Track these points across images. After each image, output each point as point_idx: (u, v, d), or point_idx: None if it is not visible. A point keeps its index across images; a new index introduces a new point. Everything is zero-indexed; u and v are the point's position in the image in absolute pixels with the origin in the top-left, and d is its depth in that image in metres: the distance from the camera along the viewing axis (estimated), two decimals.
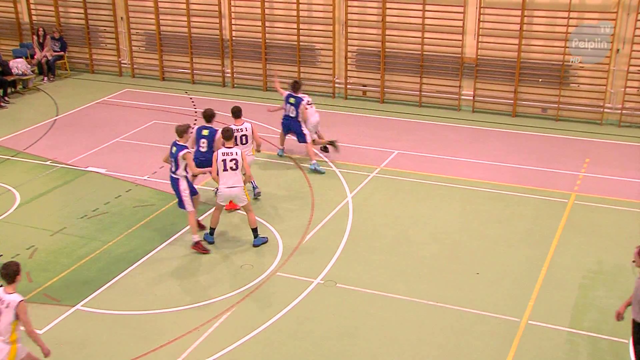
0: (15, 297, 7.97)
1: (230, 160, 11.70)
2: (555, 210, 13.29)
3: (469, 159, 15.75)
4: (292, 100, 15.05)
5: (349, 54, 19.78)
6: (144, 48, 22.25)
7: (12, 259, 11.55)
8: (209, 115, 13.06)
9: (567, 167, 15.22)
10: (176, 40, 21.65)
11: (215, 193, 12.63)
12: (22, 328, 8.11)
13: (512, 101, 18.51)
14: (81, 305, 10.48)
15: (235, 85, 21.14)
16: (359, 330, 9.90)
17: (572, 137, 17.11)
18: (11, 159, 15.89)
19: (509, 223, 12.87)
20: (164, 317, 10.24)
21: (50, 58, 21.90)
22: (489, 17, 18.21)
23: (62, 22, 22.91)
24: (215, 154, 11.83)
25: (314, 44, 20.20)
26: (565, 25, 17.49)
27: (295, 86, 15.19)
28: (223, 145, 11.87)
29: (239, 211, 13.04)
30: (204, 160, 12.50)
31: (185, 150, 11.65)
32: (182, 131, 11.83)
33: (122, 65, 22.54)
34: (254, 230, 12.09)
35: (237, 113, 13.45)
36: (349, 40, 19.60)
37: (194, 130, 13.07)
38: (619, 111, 17.79)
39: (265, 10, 20.14)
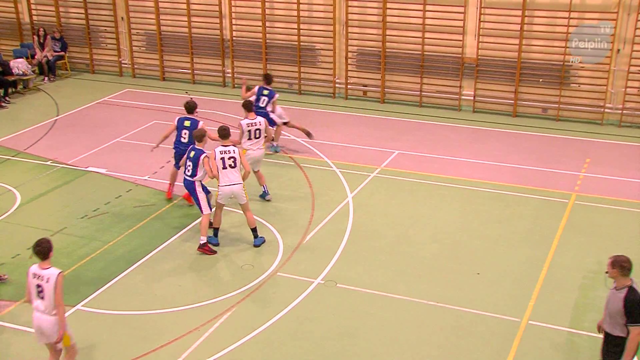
0: (54, 271, 8.16)
1: (229, 158, 11.76)
2: (556, 211, 13.28)
3: (470, 159, 15.75)
4: (265, 92, 15.71)
5: (350, 54, 19.78)
6: (144, 48, 22.26)
7: (12, 259, 11.60)
8: (191, 107, 13.40)
9: (568, 167, 15.21)
10: (176, 40, 21.66)
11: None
12: None
13: (513, 101, 18.51)
14: (81, 305, 10.47)
15: (235, 85, 21.14)
16: (359, 330, 9.89)
17: (573, 137, 17.10)
18: (12, 159, 15.89)
19: (509, 223, 12.87)
20: (164, 317, 10.24)
21: (50, 58, 21.91)
22: (489, 17, 18.21)
23: (63, 22, 22.92)
24: (212, 152, 11.85)
25: (314, 44, 20.20)
26: (565, 26, 17.49)
27: (268, 79, 15.90)
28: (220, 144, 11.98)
29: (238, 211, 13.02)
30: (185, 150, 12.55)
31: (205, 155, 11.79)
32: (200, 135, 12.03)
33: (123, 65, 22.54)
34: (254, 230, 12.10)
35: (249, 107, 13.70)
36: (349, 40, 19.61)
37: (175, 121, 13.31)
38: (620, 111, 17.79)
39: (266, 10, 20.14)
